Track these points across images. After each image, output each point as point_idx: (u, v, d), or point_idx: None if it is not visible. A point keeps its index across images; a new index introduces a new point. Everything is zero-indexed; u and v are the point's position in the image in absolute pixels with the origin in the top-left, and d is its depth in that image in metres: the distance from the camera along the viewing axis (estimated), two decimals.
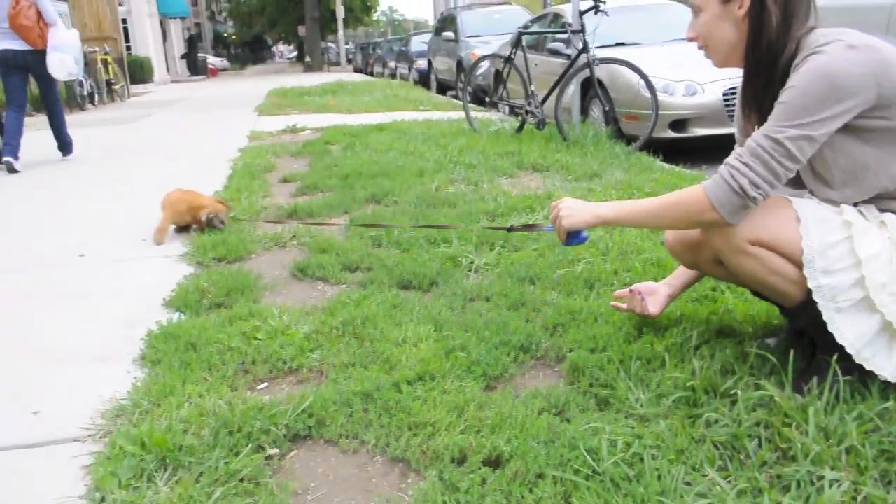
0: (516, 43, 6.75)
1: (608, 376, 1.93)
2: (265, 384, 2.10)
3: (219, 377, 2.09)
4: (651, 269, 2.74)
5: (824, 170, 1.72)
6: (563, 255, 2.96)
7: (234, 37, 73.11)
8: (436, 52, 15.43)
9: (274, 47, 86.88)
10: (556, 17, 8.39)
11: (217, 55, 57.57)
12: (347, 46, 42.18)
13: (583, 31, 5.97)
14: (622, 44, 7.23)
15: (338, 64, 34.41)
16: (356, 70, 32.02)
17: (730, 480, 1.48)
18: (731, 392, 1.75)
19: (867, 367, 1.67)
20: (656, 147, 5.69)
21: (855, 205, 1.74)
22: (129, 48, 23.63)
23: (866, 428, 1.57)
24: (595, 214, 1.92)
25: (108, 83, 15.97)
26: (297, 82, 17.75)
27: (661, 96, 5.78)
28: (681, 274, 2.19)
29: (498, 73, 7.63)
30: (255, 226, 3.82)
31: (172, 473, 1.63)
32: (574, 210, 1.95)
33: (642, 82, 5.73)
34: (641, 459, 1.55)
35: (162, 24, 30.87)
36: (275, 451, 1.74)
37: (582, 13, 6.07)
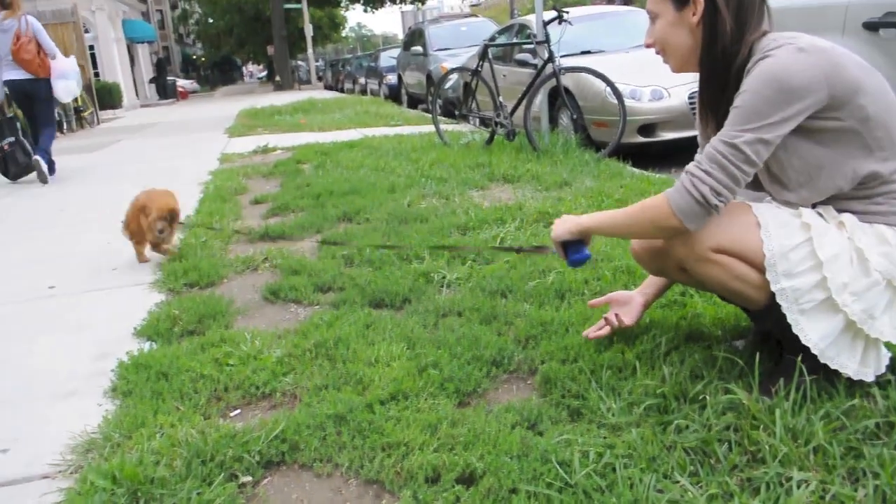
0: (483, 55, 6.79)
1: (580, 387, 1.94)
2: (238, 411, 2.08)
3: (191, 406, 2.07)
4: (621, 276, 2.76)
5: (780, 172, 1.75)
6: (535, 266, 2.97)
7: (203, 59, 72.87)
8: (405, 66, 15.49)
9: (244, 67, 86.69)
10: (522, 27, 8.46)
11: (187, 78, 57.31)
12: (317, 64, 42.19)
13: (548, 41, 6.02)
14: (588, 52, 7.30)
15: (308, 82, 34.45)
16: (327, 87, 32.04)
17: (701, 486, 1.49)
18: (701, 397, 1.77)
19: (832, 366, 1.70)
20: (625, 153, 5.75)
21: (813, 206, 1.77)
22: (96, 74, 23.49)
23: (833, 426, 1.59)
24: (576, 223, 1.99)
25: (77, 110, 15.86)
26: (268, 102, 17.73)
27: (628, 102, 5.84)
28: (653, 282, 2.21)
29: (467, 86, 7.66)
30: (227, 250, 3.80)
31: None
32: (560, 222, 2.03)
33: (609, 89, 5.79)
34: (614, 469, 1.55)
35: (129, 48, 30.77)
36: (248, 478, 1.72)
37: (546, 23, 6.12)
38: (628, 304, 2.20)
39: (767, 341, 2.00)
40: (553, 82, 6.02)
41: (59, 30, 18.32)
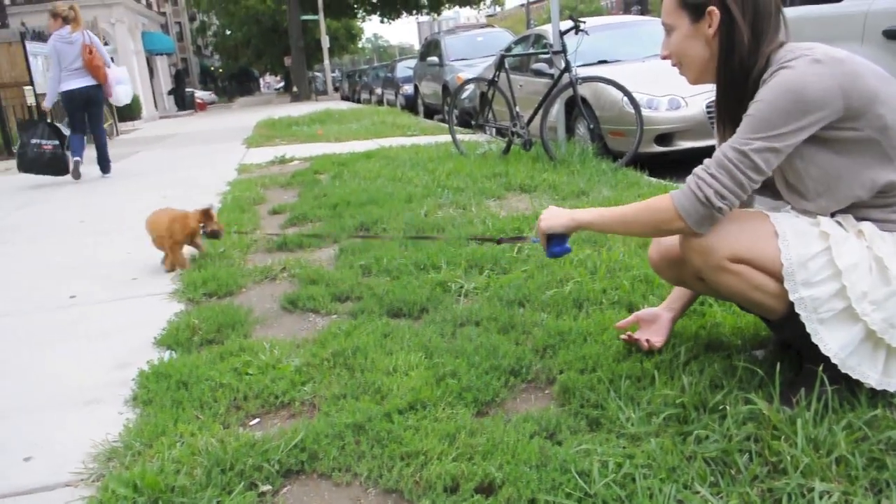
0: (499, 65, 6.80)
1: (598, 396, 1.93)
2: (257, 420, 2.09)
3: (211, 415, 2.08)
4: (640, 286, 2.75)
5: (797, 181, 1.74)
6: (552, 275, 2.97)
7: (220, 70, 73.49)
8: (421, 76, 15.54)
9: (261, 79, 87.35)
10: (539, 37, 8.48)
11: (205, 89, 57.82)
12: (334, 75, 42.46)
13: (564, 50, 6.03)
14: (604, 61, 7.29)
15: (325, 93, 34.59)
16: (343, 98, 32.18)
17: (721, 497, 1.48)
18: (721, 407, 1.76)
19: (853, 376, 1.68)
20: (642, 162, 5.73)
21: (832, 215, 1.76)
22: None
23: (855, 437, 1.58)
24: (571, 218, 1.96)
25: None
26: (285, 113, 17.83)
27: (645, 111, 5.83)
28: (679, 296, 2.19)
29: (483, 96, 7.67)
30: (245, 259, 3.83)
31: None
32: (552, 215, 1.99)
33: (626, 99, 5.79)
34: (633, 479, 1.55)
35: (148, 60, 31.08)
36: (267, 487, 1.73)
37: (563, 33, 6.13)
38: (656, 322, 2.18)
39: (787, 351, 1.98)
40: (570, 92, 6.02)
41: None
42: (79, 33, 7.82)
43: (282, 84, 64.31)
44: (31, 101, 12.65)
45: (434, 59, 14.10)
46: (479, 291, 2.95)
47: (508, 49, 8.90)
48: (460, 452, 1.74)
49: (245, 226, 4.64)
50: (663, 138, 6.06)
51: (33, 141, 7.92)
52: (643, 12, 36.74)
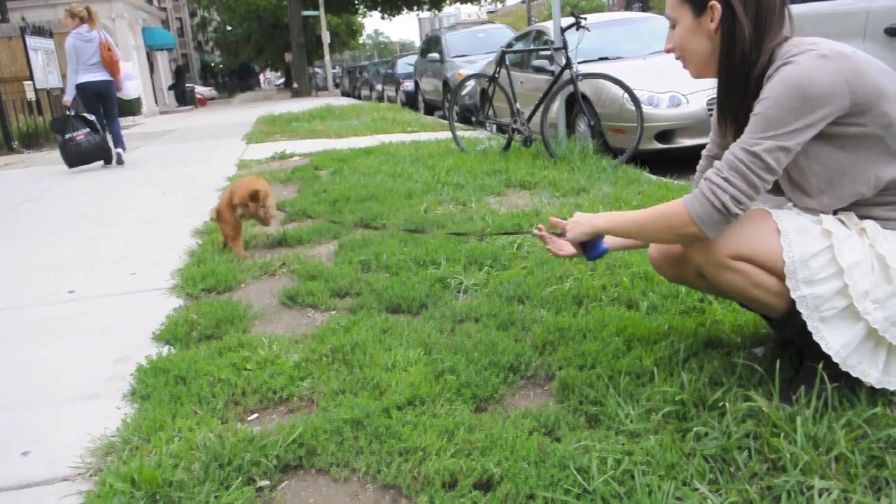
0: (500, 62, 6.79)
1: (598, 393, 1.93)
2: (255, 415, 2.09)
3: (209, 410, 2.08)
4: (639, 282, 2.75)
5: (801, 178, 1.73)
6: (552, 272, 2.96)
7: (221, 66, 73.43)
8: (422, 73, 15.51)
9: (261, 74, 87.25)
10: (539, 34, 8.46)
11: (205, 85, 57.75)
12: (334, 71, 42.42)
13: (565, 47, 6.02)
14: (605, 58, 7.28)
15: (325, 89, 34.57)
16: (344, 94, 32.15)
17: (720, 494, 1.48)
18: (720, 404, 1.76)
19: (853, 374, 1.68)
20: (643, 159, 5.73)
21: (835, 213, 1.75)
22: None
23: (855, 435, 1.58)
24: (591, 224, 1.99)
25: None
26: (285, 108, 17.81)
27: (645, 108, 5.82)
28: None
29: (484, 92, 7.67)
30: (245, 255, 3.83)
31: None
32: (575, 223, 2.03)
33: (626, 95, 5.78)
34: (632, 476, 1.54)
35: (149, 56, 31.03)
36: (265, 482, 1.73)
37: (563, 30, 6.11)
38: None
39: (788, 348, 1.98)
40: (570, 88, 6.01)
41: None
42: (96, 31, 8.37)
43: (282, 80, 64.32)
44: (30, 95, 12.67)
45: (435, 55, 14.08)
46: (479, 288, 2.94)
47: (509, 45, 8.89)
48: (459, 448, 1.73)
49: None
50: (664, 135, 6.05)
51: (67, 136, 8.35)
52: (644, 9, 36.72)
